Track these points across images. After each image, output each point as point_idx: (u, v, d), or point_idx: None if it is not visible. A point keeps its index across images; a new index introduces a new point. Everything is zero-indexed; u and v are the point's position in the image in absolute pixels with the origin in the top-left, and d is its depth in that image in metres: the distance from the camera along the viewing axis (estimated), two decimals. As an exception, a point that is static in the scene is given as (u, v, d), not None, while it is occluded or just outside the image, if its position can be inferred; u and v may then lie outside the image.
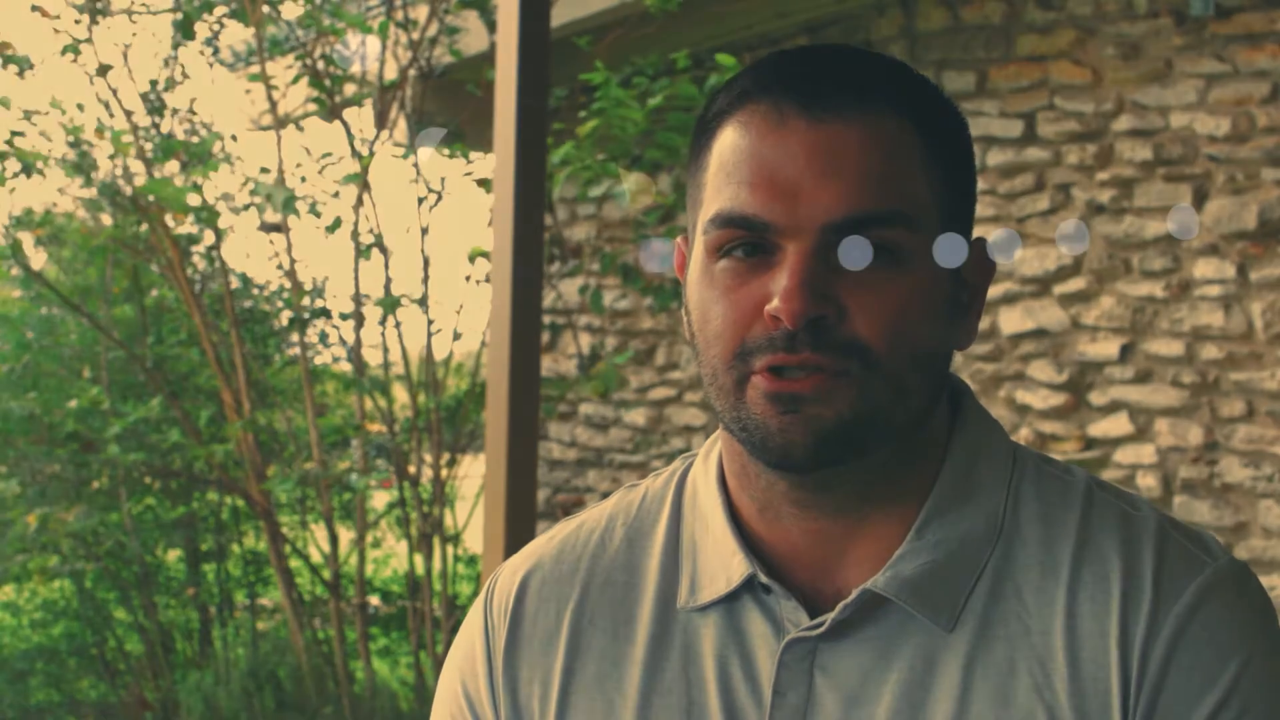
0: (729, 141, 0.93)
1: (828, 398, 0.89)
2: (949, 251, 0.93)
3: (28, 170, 4.72)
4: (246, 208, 5.05)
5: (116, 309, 5.61)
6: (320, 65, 4.60)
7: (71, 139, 4.88)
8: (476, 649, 1.05)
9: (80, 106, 4.89)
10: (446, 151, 4.46)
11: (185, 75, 5.12)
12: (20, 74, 4.75)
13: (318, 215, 4.85)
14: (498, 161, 2.73)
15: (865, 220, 0.89)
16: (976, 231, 0.99)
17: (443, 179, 4.52)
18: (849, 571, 0.95)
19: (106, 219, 5.46)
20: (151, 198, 4.84)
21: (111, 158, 4.87)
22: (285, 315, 5.71)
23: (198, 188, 4.76)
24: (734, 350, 0.90)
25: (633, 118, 3.87)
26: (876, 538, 0.95)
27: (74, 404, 5.14)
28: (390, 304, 4.73)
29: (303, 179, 4.92)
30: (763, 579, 0.95)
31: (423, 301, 4.81)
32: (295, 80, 4.66)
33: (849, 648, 0.93)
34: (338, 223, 4.71)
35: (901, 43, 4.49)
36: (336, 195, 4.90)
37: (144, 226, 5.09)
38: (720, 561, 0.98)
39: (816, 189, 0.88)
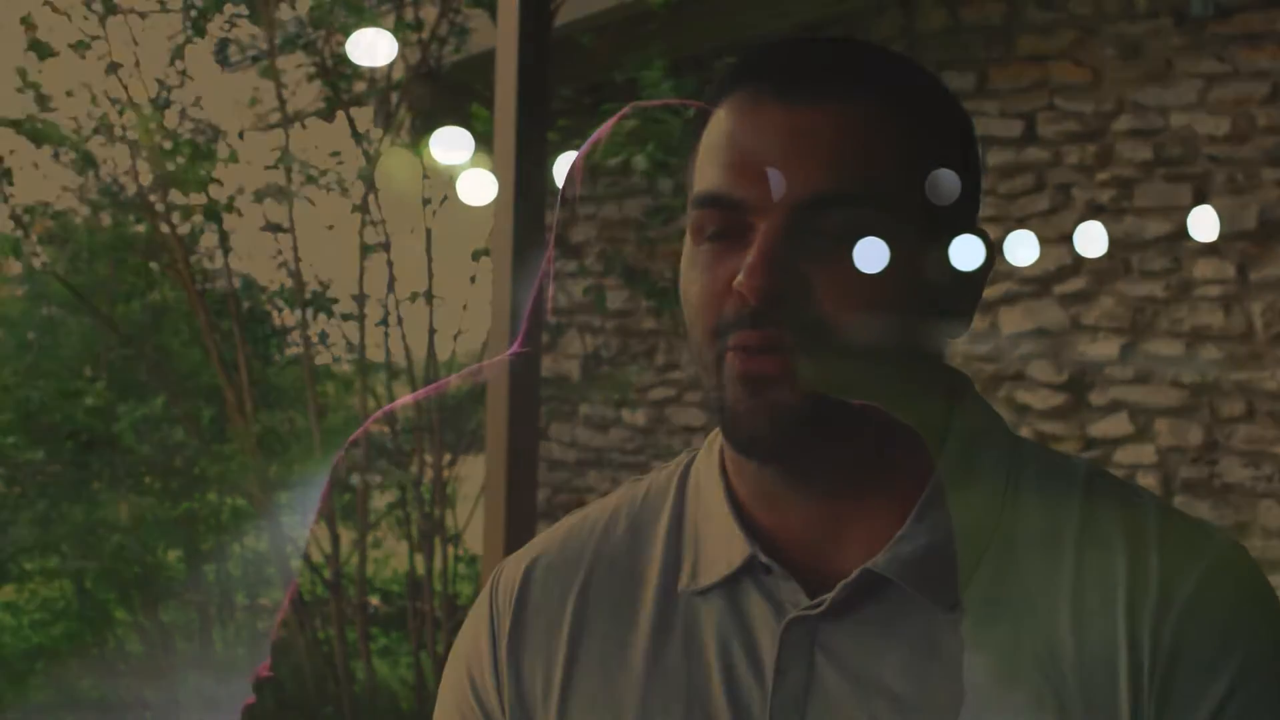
0: (712, 129, 0.96)
1: (791, 379, 0.90)
2: (936, 241, 0.94)
3: (67, 144, 4.70)
4: (260, 199, 5.05)
5: (119, 307, 5.61)
6: (330, 63, 4.60)
7: (95, 127, 4.88)
8: (481, 635, 1.06)
9: (93, 99, 4.90)
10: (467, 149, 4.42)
11: (190, 77, 5.12)
12: (42, 59, 4.74)
13: (345, 191, 4.85)
14: (498, 160, 2.73)
15: (835, 200, 0.90)
16: None
17: (450, 175, 4.50)
18: (848, 553, 0.96)
19: (105, 218, 5.46)
20: (154, 197, 4.84)
21: (132, 143, 4.83)
22: (287, 314, 5.71)
23: (213, 179, 4.76)
24: (710, 327, 0.93)
25: (671, 123, 3.84)
26: (876, 521, 0.96)
27: (89, 401, 5.13)
28: (409, 297, 4.74)
29: (309, 178, 4.92)
30: (763, 559, 0.97)
31: (429, 298, 4.81)
32: (310, 79, 4.67)
33: (850, 627, 0.94)
34: (359, 206, 4.71)
35: (901, 43, 4.50)
36: (343, 191, 4.90)
37: (146, 225, 5.09)
38: (722, 545, 0.99)
39: (786, 168, 0.90)
